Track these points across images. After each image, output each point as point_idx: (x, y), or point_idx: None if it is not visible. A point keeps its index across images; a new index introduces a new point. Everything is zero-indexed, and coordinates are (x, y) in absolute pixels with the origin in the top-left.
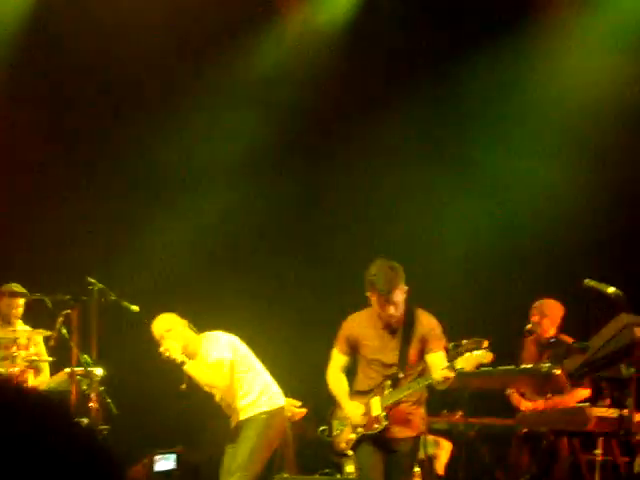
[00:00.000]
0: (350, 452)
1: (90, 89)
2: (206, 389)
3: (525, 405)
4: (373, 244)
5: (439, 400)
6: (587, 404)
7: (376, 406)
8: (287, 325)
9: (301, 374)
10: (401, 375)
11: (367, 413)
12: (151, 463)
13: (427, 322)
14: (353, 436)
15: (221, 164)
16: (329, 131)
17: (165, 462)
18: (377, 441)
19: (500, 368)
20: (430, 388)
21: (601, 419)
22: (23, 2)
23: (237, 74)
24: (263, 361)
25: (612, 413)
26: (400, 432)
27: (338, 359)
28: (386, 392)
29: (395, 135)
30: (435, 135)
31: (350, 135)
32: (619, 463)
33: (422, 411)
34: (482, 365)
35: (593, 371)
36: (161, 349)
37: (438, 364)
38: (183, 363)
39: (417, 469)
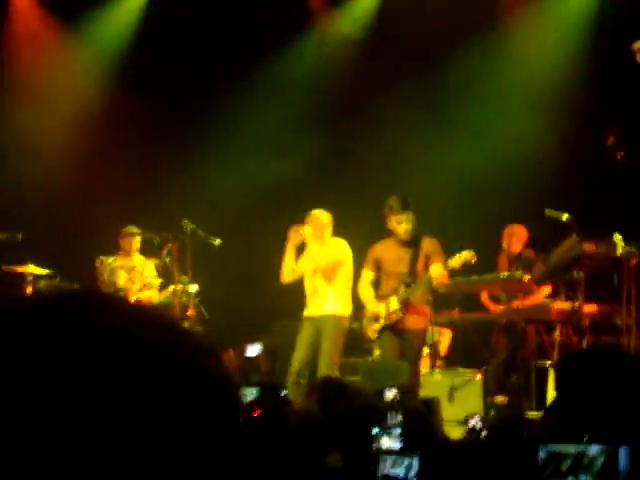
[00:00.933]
0: (375, 338)
1: None
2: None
3: (494, 308)
4: (387, 183)
5: (441, 300)
6: (549, 300)
7: (393, 302)
8: None
9: None
10: (410, 281)
11: (387, 308)
12: (243, 350)
13: (430, 243)
14: (377, 326)
15: (270, 127)
16: (355, 106)
17: (253, 349)
18: (394, 330)
19: (484, 276)
20: (434, 291)
21: (559, 311)
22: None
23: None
24: None
25: (567, 306)
26: (412, 324)
27: (367, 275)
28: (401, 291)
29: (402, 107)
30: (431, 106)
31: (370, 108)
32: (571, 342)
33: (428, 309)
34: (468, 263)
35: (553, 276)
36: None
37: (436, 269)
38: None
39: (427, 350)
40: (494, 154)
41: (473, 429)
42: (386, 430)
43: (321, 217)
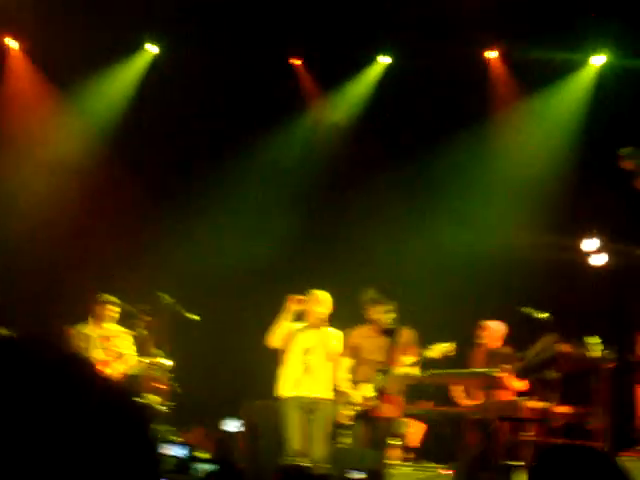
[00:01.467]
0: (348, 424)
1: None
2: (320, 356)
3: (465, 402)
4: (364, 271)
5: (416, 393)
6: (523, 398)
7: (369, 390)
8: None
9: None
10: (387, 368)
11: (362, 395)
12: (217, 426)
13: (408, 334)
14: (351, 412)
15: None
16: (339, 195)
17: (231, 424)
18: (367, 417)
19: (460, 370)
20: (408, 382)
21: (532, 410)
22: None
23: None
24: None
25: (540, 405)
26: (385, 411)
27: (344, 362)
28: (377, 379)
29: (384, 195)
30: (413, 196)
31: (351, 199)
32: (543, 442)
33: (401, 399)
34: (446, 354)
35: (528, 374)
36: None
37: (411, 361)
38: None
39: (397, 441)
40: (474, 249)
41: None
42: None
43: (328, 300)
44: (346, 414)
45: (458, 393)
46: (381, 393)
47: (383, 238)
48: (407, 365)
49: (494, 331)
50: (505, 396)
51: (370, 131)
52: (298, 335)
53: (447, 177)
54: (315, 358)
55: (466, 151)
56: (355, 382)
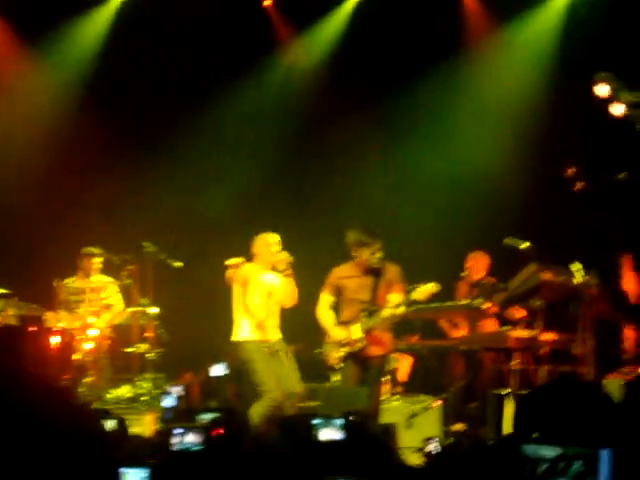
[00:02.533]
0: (337, 366)
1: None
2: (270, 301)
3: (453, 333)
4: (346, 209)
5: (402, 327)
6: (507, 328)
7: (356, 330)
8: None
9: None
10: (373, 308)
11: (349, 336)
12: (205, 372)
13: (392, 270)
14: (340, 354)
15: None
16: (317, 135)
17: (217, 369)
18: (356, 357)
19: (444, 303)
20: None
21: (517, 339)
22: None
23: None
24: None
25: (525, 334)
26: (374, 351)
27: (326, 298)
28: (363, 320)
29: (361, 132)
30: (393, 130)
31: (329, 139)
32: (529, 370)
33: (389, 336)
34: (432, 295)
35: (512, 304)
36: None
37: (396, 301)
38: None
39: (387, 377)
40: (455, 181)
41: (429, 454)
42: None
43: (271, 240)
44: (336, 355)
45: (446, 325)
46: (369, 333)
47: (363, 176)
48: (393, 305)
49: (479, 262)
50: (490, 326)
51: (344, 69)
52: (258, 279)
53: (424, 110)
54: (273, 301)
55: (442, 83)
56: (341, 322)
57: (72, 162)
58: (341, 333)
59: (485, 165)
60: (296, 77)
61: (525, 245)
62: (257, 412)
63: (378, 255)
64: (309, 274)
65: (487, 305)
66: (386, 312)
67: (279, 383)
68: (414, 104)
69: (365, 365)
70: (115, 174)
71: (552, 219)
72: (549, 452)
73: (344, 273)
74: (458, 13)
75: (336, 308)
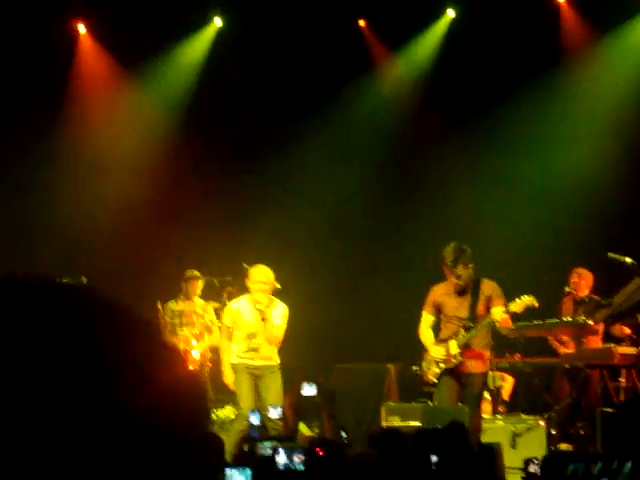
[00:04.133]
0: (434, 382)
1: None
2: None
3: (562, 350)
4: (444, 223)
5: (503, 345)
6: (613, 345)
7: (453, 346)
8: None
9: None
10: (471, 325)
11: (447, 353)
12: (298, 389)
13: (490, 286)
14: (437, 370)
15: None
16: (415, 152)
17: (309, 389)
18: (454, 374)
19: (547, 321)
20: (496, 335)
21: (623, 355)
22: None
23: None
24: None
25: (631, 350)
26: (472, 368)
27: (427, 318)
28: (461, 336)
29: (459, 147)
30: (493, 145)
31: (429, 157)
32: (637, 387)
33: (488, 353)
34: (529, 308)
35: (617, 320)
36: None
37: (498, 312)
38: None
39: (488, 396)
40: (556, 196)
41: (533, 475)
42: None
43: (268, 274)
44: (433, 372)
45: (555, 343)
46: (466, 349)
47: (463, 191)
48: (495, 317)
49: (584, 278)
50: (596, 343)
51: (441, 86)
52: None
53: (524, 124)
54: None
55: (542, 96)
56: (440, 340)
57: (173, 186)
58: (439, 350)
59: (587, 179)
60: (392, 96)
61: (629, 260)
62: None
63: (468, 272)
64: (410, 293)
65: (590, 322)
66: (484, 322)
67: None
68: (513, 119)
69: (463, 382)
70: (215, 197)
71: None
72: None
73: (442, 291)
74: (556, 24)
75: (437, 327)
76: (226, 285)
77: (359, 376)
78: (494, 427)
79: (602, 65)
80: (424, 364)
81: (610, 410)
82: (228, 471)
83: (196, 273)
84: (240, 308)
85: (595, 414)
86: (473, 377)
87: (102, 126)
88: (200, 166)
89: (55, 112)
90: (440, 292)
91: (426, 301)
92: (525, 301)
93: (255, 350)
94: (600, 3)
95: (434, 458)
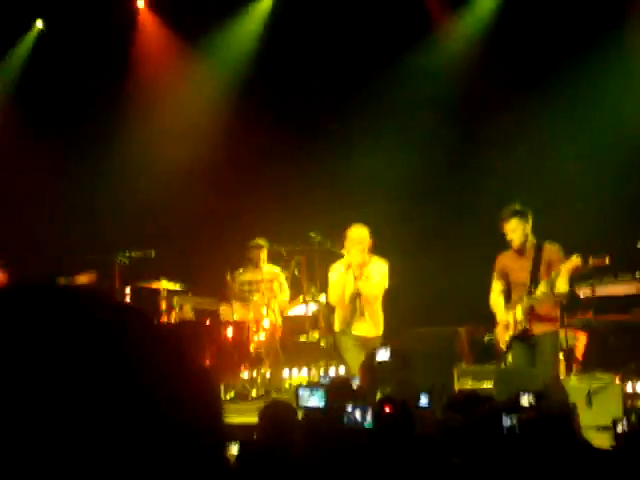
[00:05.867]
0: (506, 349)
1: None
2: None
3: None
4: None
5: (576, 303)
6: None
7: (518, 312)
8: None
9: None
10: (533, 289)
11: (514, 318)
12: (373, 355)
13: (551, 249)
14: (507, 337)
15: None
16: (477, 109)
17: (383, 353)
18: (523, 338)
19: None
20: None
21: None
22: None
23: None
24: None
25: None
26: (540, 328)
27: (496, 285)
28: (525, 301)
29: (525, 109)
30: (559, 105)
31: (492, 119)
32: None
33: (557, 312)
34: (578, 267)
35: None
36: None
37: (562, 285)
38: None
39: (562, 357)
40: (624, 150)
41: (621, 434)
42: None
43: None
44: (504, 338)
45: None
46: (531, 313)
47: (527, 146)
48: (552, 280)
49: None
50: None
51: (501, 47)
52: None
53: (593, 83)
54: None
55: (611, 54)
56: (509, 305)
57: (237, 156)
58: (507, 316)
59: None
60: (452, 58)
61: None
62: None
63: (511, 236)
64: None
65: None
66: (542, 287)
67: None
68: (582, 78)
69: (533, 344)
70: (279, 166)
71: None
72: None
73: (507, 257)
74: None
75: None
76: (294, 254)
77: (430, 339)
78: (569, 386)
79: None
80: (497, 331)
81: None
82: (301, 391)
83: (260, 241)
84: (336, 277)
85: None
86: (542, 337)
87: (165, 100)
88: (267, 137)
89: (119, 89)
90: (504, 259)
91: (494, 268)
92: (572, 261)
93: (362, 315)
94: None
95: (507, 421)
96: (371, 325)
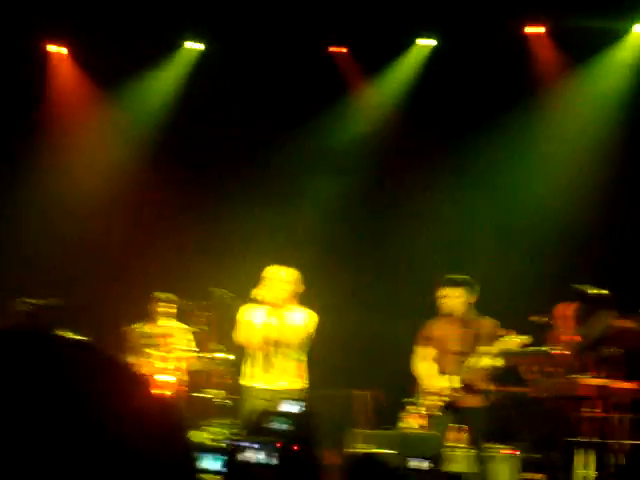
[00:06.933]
0: (433, 414)
1: None
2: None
3: (531, 377)
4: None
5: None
6: (578, 375)
7: (455, 381)
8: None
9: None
10: (471, 360)
11: (445, 386)
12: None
13: (489, 325)
14: (440, 403)
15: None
16: (390, 174)
17: (289, 406)
18: (453, 407)
19: (524, 349)
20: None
21: (589, 386)
22: None
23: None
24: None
25: (601, 382)
26: (470, 402)
27: (423, 350)
28: (462, 370)
29: (437, 176)
30: (468, 177)
31: (407, 181)
32: (607, 419)
33: (489, 386)
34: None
35: (586, 352)
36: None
37: (494, 351)
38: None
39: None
40: (526, 230)
41: None
42: None
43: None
44: (429, 405)
45: (526, 372)
46: (466, 383)
47: (438, 222)
48: (491, 355)
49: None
50: (563, 374)
51: (416, 114)
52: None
53: (496, 157)
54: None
55: (516, 128)
56: (442, 373)
57: (143, 210)
58: (438, 383)
59: (558, 213)
60: (366, 124)
61: (600, 291)
62: None
63: (444, 301)
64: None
65: (559, 352)
66: (485, 362)
67: None
68: (485, 151)
69: (461, 417)
70: (185, 222)
71: (628, 265)
72: None
73: (441, 325)
74: (530, 58)
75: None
76: (202, 310)
77: (330, 402)
78: (467, 455)
79: (574, 97)
80: (420, 397)
81: (577, 440)
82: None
83: (161, 295)
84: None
85: (566, 444)
86: (473, 411)
87: (77, 146)
88: (171, 190)
89: (30, 134)
90: (437, 326)
91: (422, 334)
92: (517, 341)
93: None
94: (573, 35)
95: None
96: (289, 376)
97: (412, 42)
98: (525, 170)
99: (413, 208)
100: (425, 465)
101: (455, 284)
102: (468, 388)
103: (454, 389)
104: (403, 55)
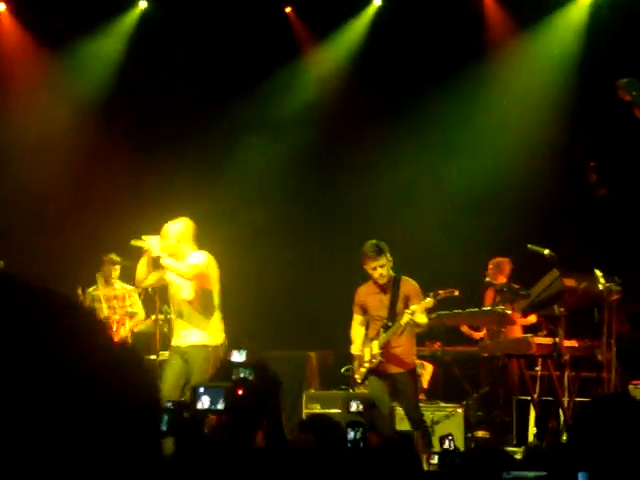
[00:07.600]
0: (361, 382)
1: None
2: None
3: (476, 335)
4: (370, 217)
5: (422, 334)
6: (530, 335)
7: (375, 347)
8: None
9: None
10: (390, 324)
11: (370, 352)
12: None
13: (408, 285)
14: (363, 370)
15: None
16: (341, 138)
17: (239, 354)
18: (378, 373)
19: (467, 310)
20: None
21: (540, 345)
22: None
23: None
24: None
25: (548, 341)
26: (395, 367)
27: (356, 318)
28: (381, 336)
29: (387, 137)
30: (416, 138)
31: (356, 138)
32: (553, 376)
33: (412, 350)
34: (429, 309)
35: (534, 311)
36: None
37: (422, 318)
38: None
39: None
40: (478, 188)
41: (447, 450)
42: None
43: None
44: (360, 371)
45: (467, 329)
46: (387, 348)
47: (387, 182)
48: (409, 312)
49: (497, 268)
50: (513, 333)
51: (365, 75)
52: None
53: (447, 116)
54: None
55: (464, 89)
56: (368, 339)
57: (92, 171)
58: (364, 350)
59: (508, 171)
60: (318, 85)
61: (547, 252)
62: None
63: (380, 271)
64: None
65: (509, 311)
66: (403, 319)
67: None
68: (437, 110)
69: (389, 381)
70: (136, 180)
71: (575, 226)
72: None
73: (366, 291)
74: (480, 17)
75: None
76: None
77: (282, 362)
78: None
79: (524, 58)
80: (355, 363)
81: (524, 398)
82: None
83: (114, 257)
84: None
85: (512, 402)
86: (398, 376)
87: (22, 108)
88: (121, 150)
89: None
90: (363, 292)
91: (354, 302)
92: (424, 304)
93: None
94: None
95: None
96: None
97: (362, 3)
98: (475, 130)
99: (360, 171)
100: (361, 407)
101: (376, 253)
102: (387, 354)
103: (374, 355)
104: (352, 16)
